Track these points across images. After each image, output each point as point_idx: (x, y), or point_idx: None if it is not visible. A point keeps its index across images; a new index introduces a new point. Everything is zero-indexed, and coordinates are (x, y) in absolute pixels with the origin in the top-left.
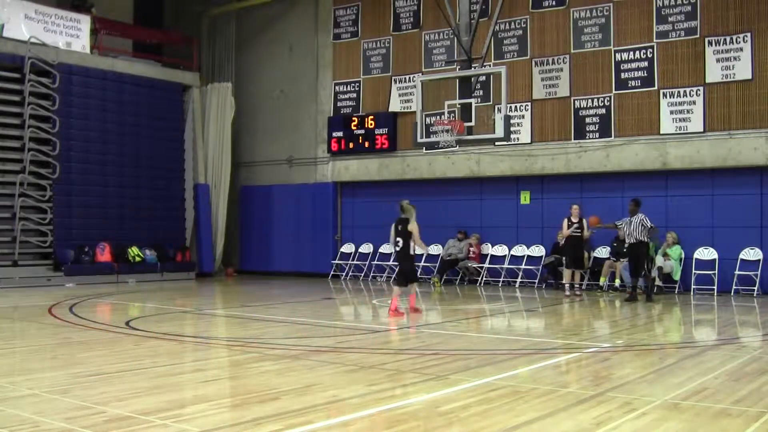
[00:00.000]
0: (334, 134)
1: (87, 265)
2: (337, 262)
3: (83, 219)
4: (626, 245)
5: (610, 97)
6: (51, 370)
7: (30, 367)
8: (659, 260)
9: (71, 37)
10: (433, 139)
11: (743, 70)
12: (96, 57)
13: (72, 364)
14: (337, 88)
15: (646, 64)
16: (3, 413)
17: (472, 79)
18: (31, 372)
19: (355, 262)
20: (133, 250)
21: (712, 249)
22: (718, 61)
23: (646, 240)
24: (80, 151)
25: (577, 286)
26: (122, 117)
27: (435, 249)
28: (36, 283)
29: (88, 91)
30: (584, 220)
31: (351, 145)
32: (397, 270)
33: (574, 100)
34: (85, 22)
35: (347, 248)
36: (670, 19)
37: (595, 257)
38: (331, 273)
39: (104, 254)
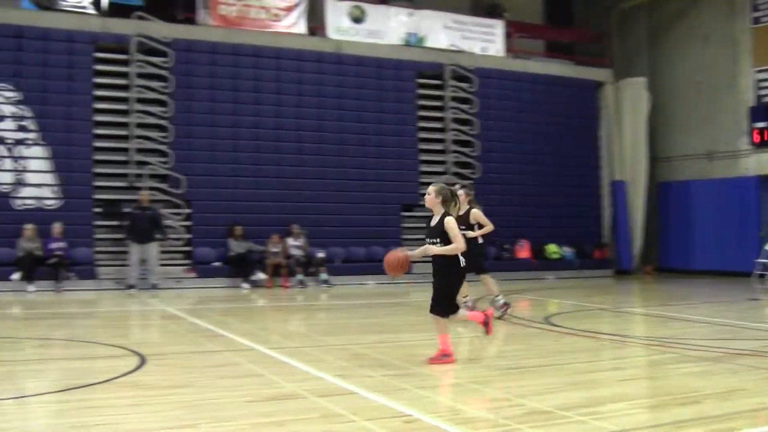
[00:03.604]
0: (756, 125)
1: (506, 261)
2: (762, 261)
3: (502, 217)
4: None
5: None
6: (466, 362)
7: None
8: None
9: (486, 42)
10: None
11: None
12: (510, 60)
13: (490, 357)
14: (758, 75)
15: None
16: (427, 400)
17: None
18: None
19: None
20: (552, 248)
21: None
22: None
23: None
24: (499, 152)
25: None
26: (536, 117)
27: None
28: None
29: (504, 93)
30: None
31: None
32: None
33: None
34: (499, 27)
35: None
36: None
37: None
38: (756, 273)
39: (523, 251)
